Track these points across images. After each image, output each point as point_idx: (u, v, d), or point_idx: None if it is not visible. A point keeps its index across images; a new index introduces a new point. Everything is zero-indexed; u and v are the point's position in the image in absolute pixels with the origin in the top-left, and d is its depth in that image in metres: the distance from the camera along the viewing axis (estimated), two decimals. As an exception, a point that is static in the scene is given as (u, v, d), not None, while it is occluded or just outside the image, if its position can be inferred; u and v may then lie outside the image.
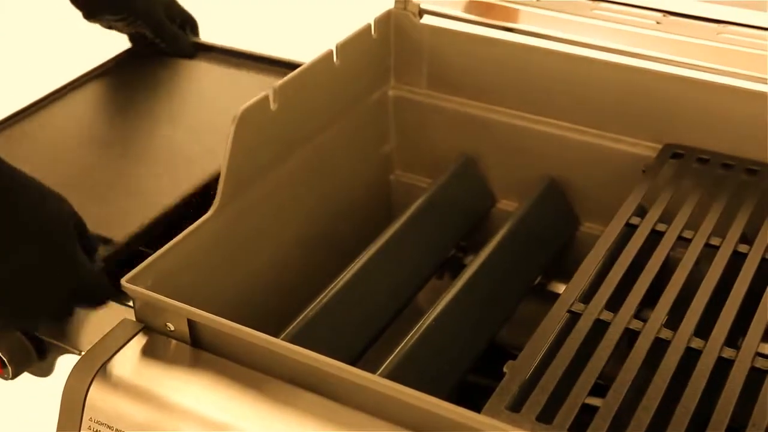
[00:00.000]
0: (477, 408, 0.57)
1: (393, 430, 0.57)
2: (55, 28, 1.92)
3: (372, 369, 0.67)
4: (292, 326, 0.73)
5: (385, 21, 0.89)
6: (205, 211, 0.72)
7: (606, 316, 0.67)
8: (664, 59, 0.83)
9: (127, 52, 1.01)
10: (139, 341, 0.64)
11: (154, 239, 0.74)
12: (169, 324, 0.64)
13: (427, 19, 0.91)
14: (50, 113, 0.91)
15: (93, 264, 0.68)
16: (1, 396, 1.42)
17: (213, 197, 0.73)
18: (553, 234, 0.89)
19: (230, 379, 0.61)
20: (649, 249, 0.73)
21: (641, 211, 0.77)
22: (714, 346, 0.63)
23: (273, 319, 0.72)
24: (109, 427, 0.61)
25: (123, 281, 0.63)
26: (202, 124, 0.90)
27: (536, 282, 0.87)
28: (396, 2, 0.90)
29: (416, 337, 0.72)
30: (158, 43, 0.99)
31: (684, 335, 0.64)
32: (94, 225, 0.70)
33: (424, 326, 0.73)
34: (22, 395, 1.34)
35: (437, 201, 0.87)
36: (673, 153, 0.82)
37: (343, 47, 0.84)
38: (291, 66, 0.94)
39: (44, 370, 0.73)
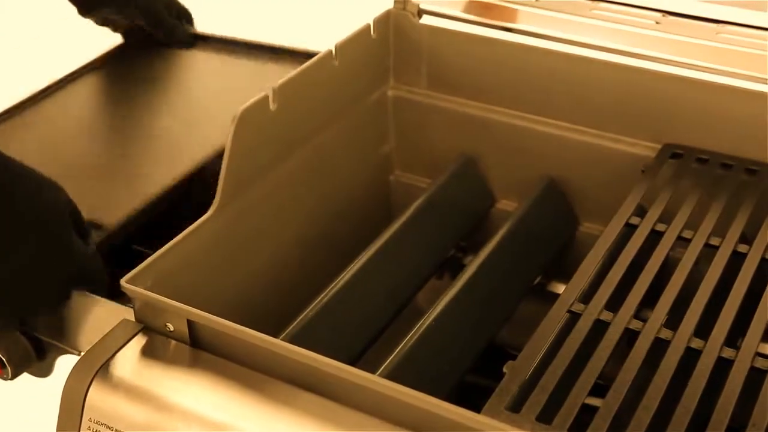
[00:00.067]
0: (477, 408, 0.57)
1: (393, 430, 0.57)
2: (51, 23, 1.92)
3: (372, 369, 0.67)
4: (291, 326, 0.73)
5: (384, 21, 0.89)
6: (198, 197, 0.72)
7: (606, 316, 0.67)
8: (664, 59, 0.83)
9: (123, 44, 1.02)
10: (138, 341, 0.64)
11: (145, 226, 0.75)
12: (168, 324, 0.64)
13: (426, 19, 0.91)
14: (49, 104, 0.91)
15: (87, 248, 0.69)
16: (1, 396, 1.42)
17: (205, 182, 0.73)
18: (552, 234, 0.89)
19: (230, 379, 0.61)
20: (649, 249, 0.73)
21: (641, 211, 0.77)
22: (714, 346, 0.63)
23: (273, 320, 0.72)
24: (108, 427, 0.61)
25: (123, 281, 0.63)
26: (199, 113, 0.90)
27: (536, 282, 0.87)
28: (395, 2, 0.90)
29: (416, 337, 0.72)
30: (155, 35, 1.00)
31: (684, 335, 0.64)
32: (89, 212, 0.71)
33: (424, 326, 0.73)
34: (22, 395, 1.34)
35: (437, 201, 0.87)
36: (673, 153, 0.82)
37: (343, 47, 0.84)
38: (288, 53, 0.94)
39: (44, 371, 0.73)
